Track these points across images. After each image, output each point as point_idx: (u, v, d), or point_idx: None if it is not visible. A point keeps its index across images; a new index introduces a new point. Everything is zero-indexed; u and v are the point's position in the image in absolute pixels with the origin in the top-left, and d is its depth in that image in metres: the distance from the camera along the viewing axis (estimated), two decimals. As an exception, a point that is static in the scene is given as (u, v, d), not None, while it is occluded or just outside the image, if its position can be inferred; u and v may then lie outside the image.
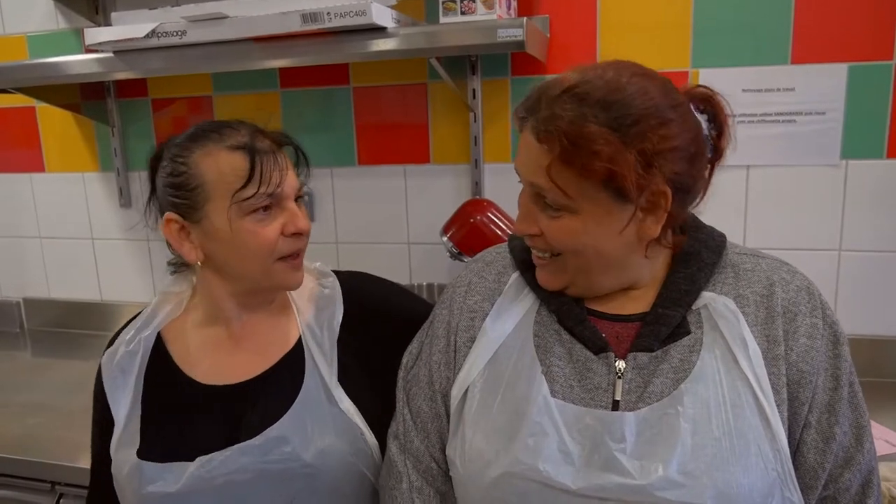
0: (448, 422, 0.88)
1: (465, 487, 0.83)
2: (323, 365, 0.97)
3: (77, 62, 1.57)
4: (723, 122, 0.82)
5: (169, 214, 0.94)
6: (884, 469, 1.09)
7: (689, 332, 0.79)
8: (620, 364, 0.79)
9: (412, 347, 0.97)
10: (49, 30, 1.92)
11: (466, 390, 0.84)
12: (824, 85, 1.45)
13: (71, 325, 2.09)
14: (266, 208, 0.92)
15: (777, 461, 0.74)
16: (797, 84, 1.46)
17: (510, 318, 0.86)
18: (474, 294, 0.91)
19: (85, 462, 1.30)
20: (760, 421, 0.74)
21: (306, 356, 0.98)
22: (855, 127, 1.45)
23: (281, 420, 0.92)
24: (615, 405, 0.77)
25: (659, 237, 0.79)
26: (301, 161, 0.99)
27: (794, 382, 0.77)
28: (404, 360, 0.96)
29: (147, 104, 1.91)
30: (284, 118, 1.80)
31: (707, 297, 0.81)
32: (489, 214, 1.47)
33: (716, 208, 1.51)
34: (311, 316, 1.02)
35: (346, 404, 0.95)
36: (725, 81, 1.49)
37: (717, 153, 0.83)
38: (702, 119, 0.81)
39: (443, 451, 0.88)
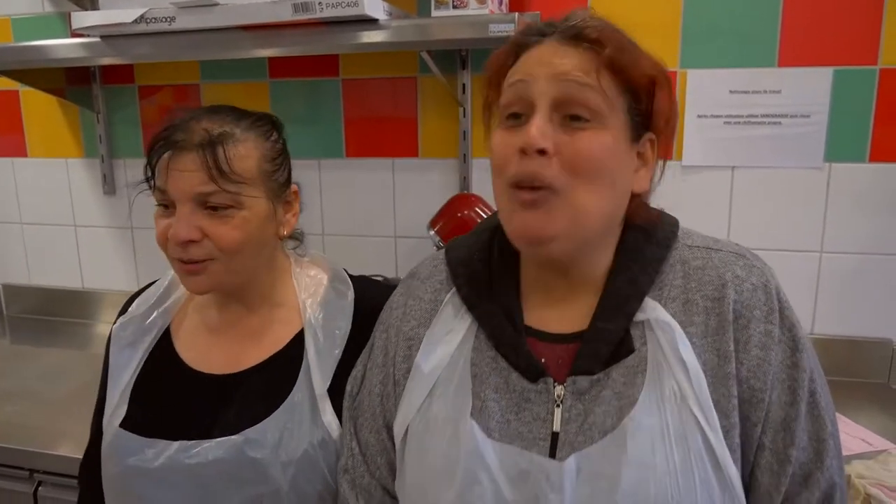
0: (395, 453, 0.82)
1: None
2: (317, 375, 0.94)
3: (63, 46, 1.55)
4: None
5: None
6: (859, 467, 1.11)
7: (632, 350, 0.73)
8: (559, 389, 0.73)
9: (356, 372, 0.91)
10: (35, 13, 1.89)
11: (407, 428, 0.79)
12: (810, 88, 1.47)
13: (51, 313, 2.07)
14: (165, 202, 0.90)
15: (725, 497, 0.68)
16: (783, 86, 1.48)
17: (445, 347, 0.79)
18: (409, 319, 0.85)
19: (64, 450, 1.29)
20: (707, 454, 0.68)
21: (304, 362, 0.95)
22: (839, 130, 1.47)
23: (262, 423, 0.90)
24: (554, 437, 0.71)
25: (641, 200, 0.77)
26: (214, 166, 0.88)
27: (746, 401, 0.70)
28: (349, 388, 0.90)
29: (133, 91, 1.88)
30: (273, 108, 1.78)
31: (649, 308, 0.74)
32: (476, 209, 1.47)
33: (700, 208, 1.55)
34: (319, 320, 0.97)
35: (329, 418, 0.92)
36: (713, 82, 1.51)
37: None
38: None
39: (394, 480, 0.83)
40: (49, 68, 1.74)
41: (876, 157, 1.47)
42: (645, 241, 0.77)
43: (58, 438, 1.33)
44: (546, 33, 0.74)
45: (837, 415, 1.30)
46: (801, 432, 0.71)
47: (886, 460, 1.12)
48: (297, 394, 0.93)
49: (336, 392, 0.93)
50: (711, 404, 0.69)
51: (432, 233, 1.49)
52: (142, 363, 0.99)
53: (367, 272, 1.70)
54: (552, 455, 0.71)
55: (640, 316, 0.74)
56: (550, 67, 0.70)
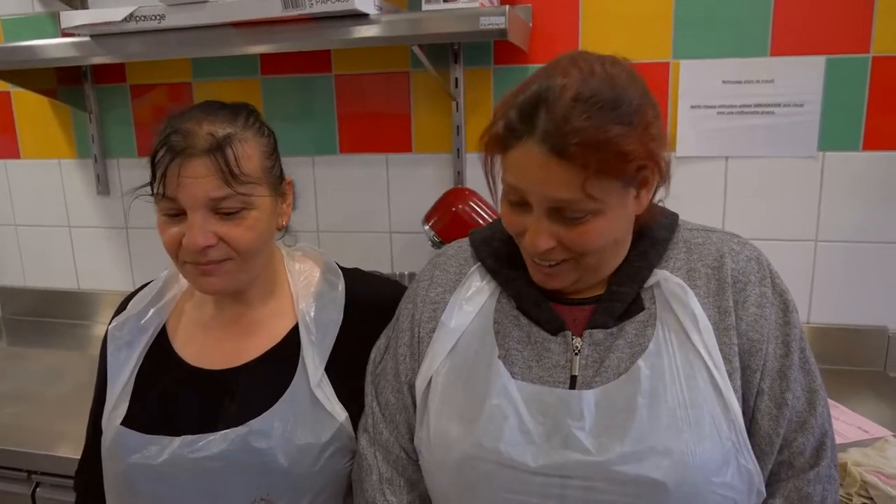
0: (415, 412, 0.89)
1: (433, 474, 0.84)
2: (314, 365, 0.95)
3: (53, 46, 1.54)
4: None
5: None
6: (856, 455, 1.11)
7: (643, 309, 0.82)
8: (577, 341, 0.82)
9: (380, 342, 0.97)
10: (24, 13, 1.89)
11: (430, 381, 0.85)
12: (803, 77, 1.47)
13: (47, 314, 2.06)
14: (174, 211, 0.89)
15: (731, 430, 0.76)
16: (776, 76, 1.48)
17: (470, 308, 0.87)
18: (436, 286, 0.92)
19: (62, 451, 1.29)
20: (713, 392, 0.76)
21: (300, 356, 0.96)
22: (832, 119, 1.47)
23: (264, 415, 0.91)
24: (573, 381, 0.79)
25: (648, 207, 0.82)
26: (226, 170, 0.88)
27: (745, 351, 0.79)
28: (372, 355, 0.97)
29: (125, 90, 1.88)
30: (265, 106, 1.78)
31: (660, 274, 0.83)
32: (471, 203, 1.47)
33: (695, 198, 1.55)
34: (312, 311, 0.99)
35: (333, 406, 0.94)
36: (706, 72, 1.50)
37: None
38: None
39: (412, 440, 0.89)
40: (40, 69, 1.73)
41: (869, 145, 1.47)
42: (653, 224, 0.86)
43: (55, 439, 1.33)
44: (525, 133, 0.74)
45: (834, 403, 1.33)
46: (794, 382, 0.80)
47: (883, 448, 1.12)
48: (297, 386, 0.94)
49: (332, 380, 0.96)
50: (717, 347, 0.78)
51: (427, 227, 1.48)
52: (140, 362, 0.99)
53: (363, 268, 1.70)
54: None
55: (650, 282, 0.83)
56: (539, 187, 0.75)
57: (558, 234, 0.77)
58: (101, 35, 1.47)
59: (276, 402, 0.92)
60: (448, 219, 1.47)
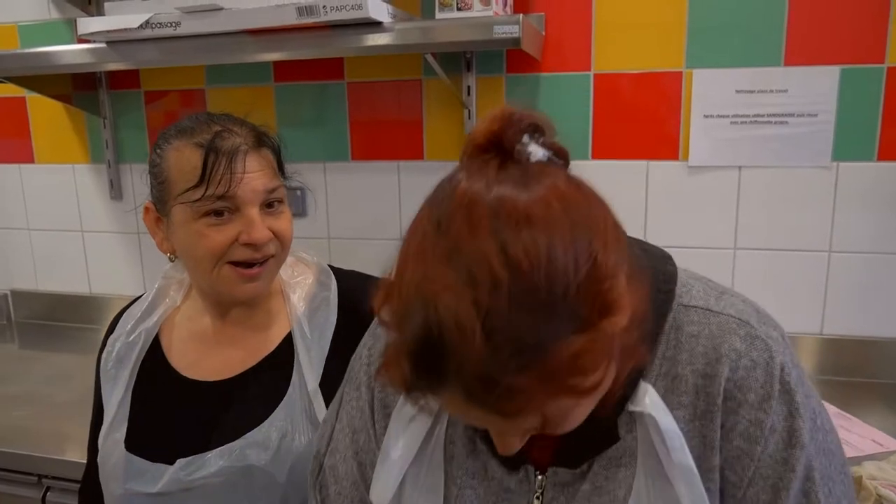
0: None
1: None
2: (309, 373, 0.94)
3: (69, 52, 1.55)
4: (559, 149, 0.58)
5: (147, 202, 0.96)
6: (871, 468, 1.10)
7: (617, 439, 0.64)
8: (540, 479, 0.66)
9: (323, 430, 0.81)
10: (41, 19, 1.90)
11: None
12: (817, 87, 1.46)
13: (59, 318, 2.07)
14: (220, 213, 0.89)
15: None
16: (790, 86, 1.47)
17: (415, 429, 0.69)
18: (385, 386, 0.74)
19: (72, 455, 1.29)
20: None
21: (295, 361, 0.95)
22: (846, 129, 1.46)
23: (261, 426, 0.90)
24: None
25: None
26: (282, 162, 0.95)
27: (721, 494, 0.62)
28: (315, 448, 0.81)
29: (139, 96, 1.89)
30: (278, 112, 1.79)
31: (640, 390, 0.62)
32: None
33: (708, 208, 1.54)
34: (305, 317, 0.98)
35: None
36: (719, 82, 1.50)
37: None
38: (544, 153, 0.56)
39: None
40: (55, 74, 1.75)
41: (884, 155, 1.46)
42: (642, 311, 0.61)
43: (66, 443, 1.33)
44: (433, 388, 0.52)
45: (848, 415, 1.31)
46: None
47: (898, 461, 1.11)
48: (293, 393, 0.93)
49: (327, 385, 0.94)
50: (707, 502, 0.61)
51: (438, 235, 1.48)
52: (134, 379, 0.98)
53: (373, 276, 1.70)
54: None
55: (631, 405, 0.63)
56: (496, 433, 0.59)
57: (530, 433, 0.59)
58: (116, 41, 1.48)
59: (272, 412, 0.91)
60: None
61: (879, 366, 1.52)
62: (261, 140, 0.92)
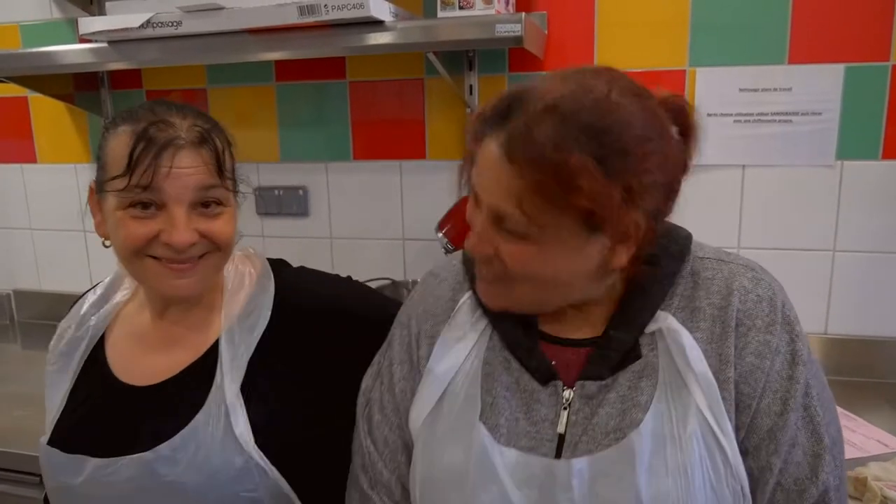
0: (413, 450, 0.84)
1: None
2: (229, 381, 0.88)
3: (71, 52, 1.56)
4: (691, 137, 0.75)
5: (92, 183, 0.91)
6: (876, 469, 1.09)
7: (639, 357, 0.74)
8: (568, 393, 0.75)
9: (371, 369, 0.90)
10: (43, 19, 1.90)
11: (419, 427, 0.80)
12: (821, 85, 1.45)
13: (61, 318, 2.06)
14: (145, 205, 0.84)
15: (737, 501, 0.70)
16: (794, 84, 1.46)
17: (458, 350, 0.80)
18: (429, 317, 0.85)
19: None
20: (719, 458, 0.69)
21: (217, 368, 0.90)
22: (851, 128, 1.46)
23: (173, 439, 0.86)
24: (560, 439, 0.73)
25: (625, 267, 0.73)
26: (216, 161, 0.86)
27: (736, 406, 0.72)
28: (364, 385, 0.90)
29: (141, 95, 1.89)
30: (280, 111, 1.79)
31: (661, 319, 0.75)
32: (484, 211, 1.47)
33: (711, 207, 1.53)
34: (237, 320, 0.92)
35: (241, 428, 0.86)
36: (722, 80, 1.49)
37: (685, 169, 0.76)
38: (673, 130, 0.73)
39: None
40: (57, 74, 1.75)
41: (889, 154, 1.45)
42: (660, 255, 0.76)
43: (68, 443, 1.33)
44: (491, 131, 0.69)
45: (853, 416, 1.31)
46: (786, 445, 0.71)
47: (903, 462, 1.11)
48: (210, 405, 0.88)
49: (249, 387, 0.89)
50: (724, 409, 0.70)
51: (440, 235, 1.48)
52: (75, 376, 0.96)
53: (375, 275, 1.70)
54: (558, 455, 0.73)
55: (651, 326, 0.75)
56: (486, 191, 0.71)
57: (496, 245, 0.72)
58: (118, 41, 1.48)
59: (186, 424, 0.86)
60: (461, 226, 1.46)
61: (884, 366, 1.51)
62: (202, 138, 0.85)
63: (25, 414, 1.47)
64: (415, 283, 1.70)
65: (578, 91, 0.66)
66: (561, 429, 0.74)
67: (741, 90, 1.49)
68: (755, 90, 1.48)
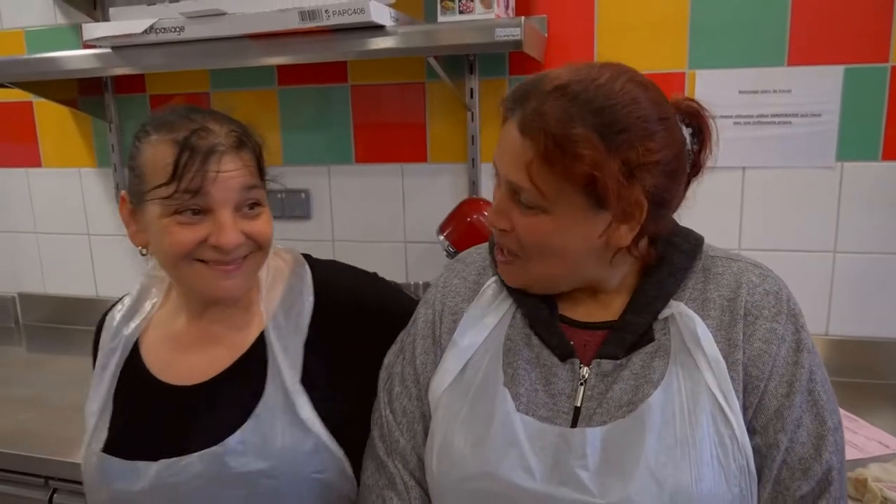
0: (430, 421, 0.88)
1: (437, 489, 0.83)
2: (286, 369, 0.92)
3: (75, 57, 1.57)
4: (706, 138, 0.83)
5: (124, 193, 0.94)
6: (876, 470, 1.09)
7: (652, 339, 0.80)
8: (584, 370, 0.80)
9: (395, 347, 0.96)
10: (47, 25, 1.92)
11: (439, 396, 0.85)
12: (820, 87, 1.46)
13: (66, 321, 2.09)
14: (192, 211, 0.87)
15: (743, 476, 0.74)
16: (793, 86, 1.47)
17: (483, 326, 0.86)
18: (454, 295, 0.92)
19: (79, 457, 1.29)
20: (726, 434, 0.74)
21: (269, 359, 0.93)
22: (850, 129, 1.46)
23: (241, 429, 0.89)
24: (576, 412, 0.79)
25: (629, 247, 0.79)
26: (256, 163, 0.92)
27: (744, 388, 0.77)
28: (386, 360, 0.96)
29: (145, 100, 1.90)
30: (282, 115, 1.80)
31: (674, 306, 0.80)
32: (486, 213, 1.47)
33: (711, 209, 1.54)
34: (280, 311, 0.96)
35: (307, 413, 0.91)
36: (722, 83, 1.50)
37: (696, 168, 0.84)
38: (686, 132, 0.81)
39: None
40: (62, 79, 1.76)
41: (889, 155, 1.46)
42: (673, 251, 0.83)
43: (73, 445, 1.34)
44: (515, 107, 0.77)
45: (854, 416, 1.31)
46: (792, 424, 0.76)
47: (903, 463, 1.11)
48: (270, 393, 0.91)
49: (309, 381, 0.93)
50: (731, 386, 0.75)
51: (442, 237, 1.49)
52: (115, 383, 0.97)
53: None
54: (573, 427, 0.78)
55: (664, 313, 0.81)
56: (503, 162, 0.78)
57: (512, 218, 0.79)
58: (121, 47, 1.49)
59: (249, 415, 0.89)
60: (463, 229, 1.47)
61: (885, 367, 1.51)
62: (240, 141, 0.90)
63: (32, 417, 1.48)
64: (416, 285, 1.72)
65: (586, 77, 0.74)
66: (577, 402, 0.79)
67: (741, 92, 1.50)
68: (755, 92, 1.49)
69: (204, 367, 0.95)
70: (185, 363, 0.96)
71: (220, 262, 0.89)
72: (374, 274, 1.10)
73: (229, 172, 0.87)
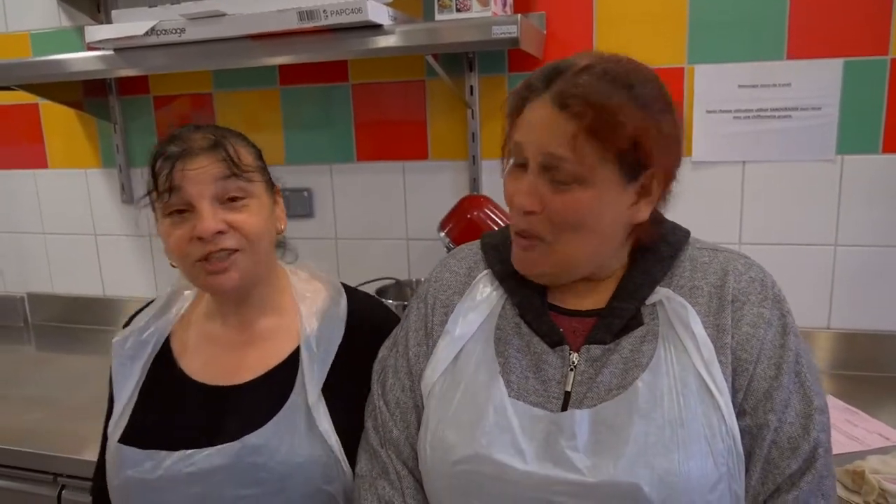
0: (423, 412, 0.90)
1: (430, 476, 0.85)
2: (311, 384, 0.95)
3: (79, 60, 1.58)
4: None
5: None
6: (875, 462, 1.10)
7: (641, 324, 0.82)
8: (574, 357, 0.83)
9: (388, 341, 0.99)
10: (51, 27, 1.94)
11: (432, 386, 0.87)
12: (820, 80, 1.45)
13: (74, 320, 2.11)
14: (181, 211, 0.92)
15: (730, 456, 0.76)
16: (793, 79, 1.46)
17: (475, 317, 0.89)
18: (446, 289, 0.94)
19: (87, 454, 1.32)
20: (714, 414, 0.76)
21: (298, 373, 0.97)
22: (850, 122, 1.46)
23: (261, 429, 0.92)
24: (566, 396, 0.81)
25: (643, 224, 0.83)
26: (227, 157, 0.94)
27: (733, 371, 0.79)
28: (380, 354, 0.98)
29: (149, 101, 1.92)
30: (284, 115, 1.81)
31: (662, 292, 0.83)
32: (486, 210, 1.48)
33: (712, 204, 1.54)
34: (315, 331, 1.00)
35: (326, 426, 0.94)
36: (721, 77, 1.50)
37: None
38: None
39: None
40: (67, 81, 1.78)
41: (889, 147, 1.45)
42: (660, 241, 0.86)
43: (81, 443, 1.36)
44: (541, 91, 0.80)
45: (854, 409, 1.31)
46: (781, 404, 0.78)
47: (902, 455, 1.11)
48: (294, 402, 0.94)
49: (330, 392, 0.96)
50: (719, 368, 0.78)
51: (443, 234, 1.50)
52: (143, 376, 1.01)
53: (379, 275, 1.72)
54: (564, 411, 0.80)
55: (651, 299, 0.84)
56: (537, 139, 0.79)
57: (543, 198, 0.79)
58: (124, 49, 1.51)
59: (272, 417, 0.93)
60: (463, 226, 1.48)
61: (885, 359, 1.51)
62: (215, 143, 0.94)
63: (42, 415, 1.50)
64: (418, 282, 1.73)
65: (610, 58, 0.80)
66: (567, 387, 0.81)
67: (740, 86, 1.50)
68: (754, 86, 1.49)
69: (236, 371, 0.99)
70: (218, 364, 1.00)
71: (208, 257, 0.92)
72: (385, 305, 1.15)
73: (201, 167, 0.91)
